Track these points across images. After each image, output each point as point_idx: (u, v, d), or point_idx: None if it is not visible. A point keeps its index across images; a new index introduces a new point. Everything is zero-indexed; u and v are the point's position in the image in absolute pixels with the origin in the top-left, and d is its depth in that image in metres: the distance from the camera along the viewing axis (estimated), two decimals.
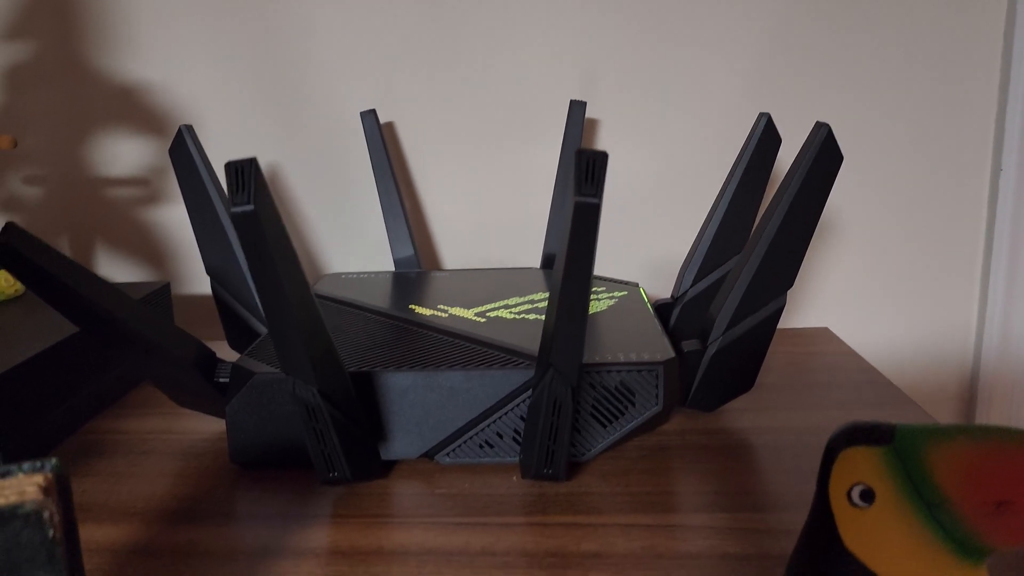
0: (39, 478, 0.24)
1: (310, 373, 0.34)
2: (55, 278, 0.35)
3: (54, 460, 0.24)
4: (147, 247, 0.69)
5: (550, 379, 0.35)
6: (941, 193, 0.65)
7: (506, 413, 0.41)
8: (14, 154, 0.67)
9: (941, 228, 0.66)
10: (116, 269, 0.70)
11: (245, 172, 0.30)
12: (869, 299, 0.68)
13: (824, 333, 0.61)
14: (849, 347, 0.58)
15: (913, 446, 0.23)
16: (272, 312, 0.33)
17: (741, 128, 0.65)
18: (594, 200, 0.30)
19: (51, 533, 0.22)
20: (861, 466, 0.24)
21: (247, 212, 0.30)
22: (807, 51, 0.63)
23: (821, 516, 0.25)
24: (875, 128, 0.64)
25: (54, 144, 0.67)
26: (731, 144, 0.65)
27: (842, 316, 0.68)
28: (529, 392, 0.40)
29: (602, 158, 0.30)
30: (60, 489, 0.25)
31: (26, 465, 0.24)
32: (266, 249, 0.31)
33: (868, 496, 0.24)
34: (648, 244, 0.67)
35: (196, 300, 0.70)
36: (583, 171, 0.30)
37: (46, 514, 0.22)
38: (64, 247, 0.69)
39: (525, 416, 0.40)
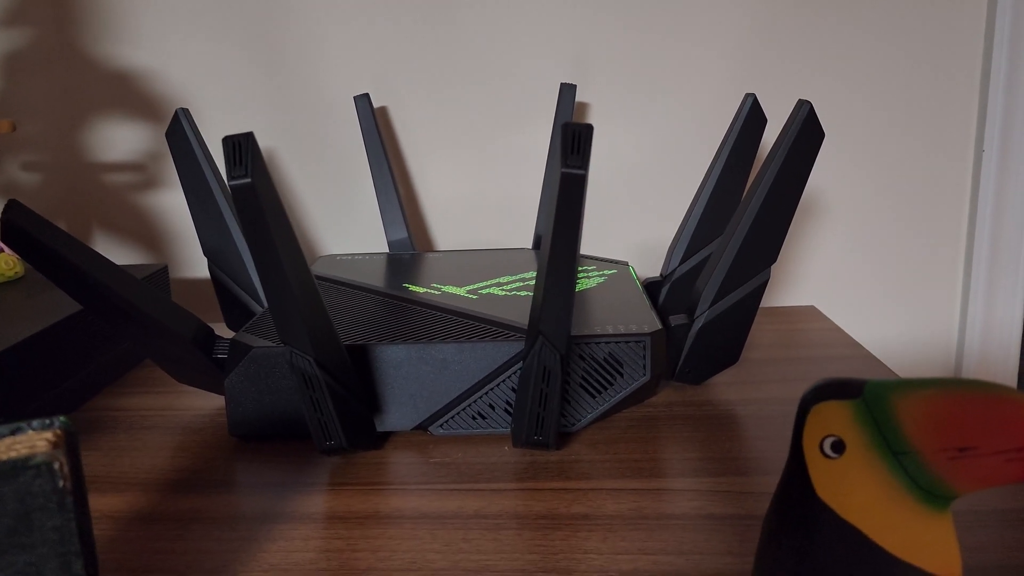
0: (49, 434, 0.25)
1: (307, 343, 0.35)
2: (57, 254, 0.36)
3: (62, 418, 0.26)
4: (145, 231, 0.70)
5: (539, 347, 0.36)
6: (925, 174, 0.67)
7: (498, 385, 0.42)
8: (12, 140, 0.68)
9: (925, 209, 0.67)
10: (114, 253, 0.71)
11: (242, 146, 0.31)
12: (854, 279, 0.69)
13: (810, 311, 0.62)
14: (835, 324, 0.59)
15: (881, 399, 0.25)
16: (269, 283, 0.34)
17: (728, 110, 0.66)
18: (580, 171, 0.31)
19: (61, 483, 0.23)
20: (832, 419, 0.25)
21: (245, 184, 0.31)
22: (792, 35, 0.64)
23: (795, 468, 0.26)
24: (860, 110, 0.66)
25: (52, 130, 0.68)
26: (718, 126, 0.66)
27: (828, 296, 0.69)
28: (520, 364, 0.41)
29: (587, 130, 0.32)
30: (68, 444, 0.26)
31: (35, 422, 0.25)
32: (263, 221, 0.32)
33: (839, 447, 0.25)
34: (638, 225, 0.68)
35: (193, 283, 0.71)
36: (569, 143, 0.31)
37: (56, 465, 0.23)
38: None
39: (516, 387, 0.41)
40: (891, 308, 0.69)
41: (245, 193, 0.31)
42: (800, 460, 0.26)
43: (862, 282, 0.69)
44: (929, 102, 0.65)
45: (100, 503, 0.37)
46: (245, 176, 0.31)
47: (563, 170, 0.31)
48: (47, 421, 0.26)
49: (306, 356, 0.36)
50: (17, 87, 0.67)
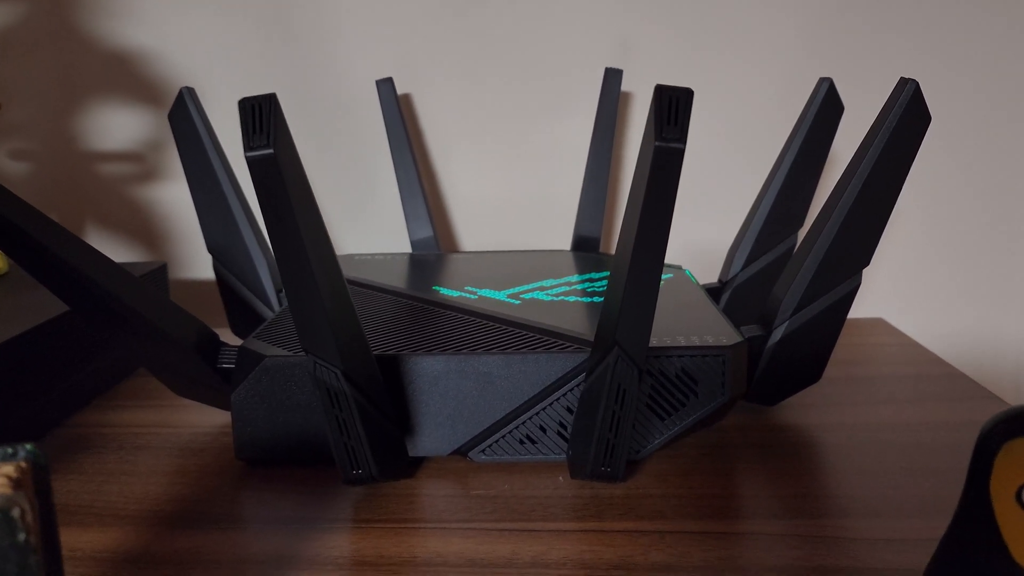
0: (10, 468, 0.19)
1: (334, 352, 0.30)
2: (34, 240, 0.30)
3: (29, 446, 0.20)
4: (143, 226, 0.64)
5: (614, 360, 0.30)
6: (1017, 164, 0.60)
7: (551, 404, 0.36)
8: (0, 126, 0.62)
9: (1014, 204, 0.61)
10: (110, 250, 0.65)
11: (263, 110, 0.26)
12: (929, 287, 0.62)
13: (879, 324, 0.56)
14: (910, 338, 0.53)
15: None
16: (292, 278, 0.28)
17: (797, 96, 0.59)
18: (678, 145, 0.26)
19: (22, 536, 0.17)
20: None
21: (265, 156, 0.25)
22: (877, 5, 0.58)
23: (978, 522, 0.20)
24: (948, 92, 0.59)
25: (44, 115, 0.62)
26: (785, 114, 0.60)
27: (896, 306, 0.63)
28: (579, 379, 0.35)
29: (687, 95, 0.26)
30: (37, 481, 0.20)
31: None
32: (287, 201, 0.26)
33: None
34: (689, 225, 0.62)
35: (196, 285, 0.65)
36: (665, 111, 0.26)
37: (16, 512, 0.17)
38: None
39: (573, 407, 0.35)
40: (971, 323, 0.63)
41: (265, 167, 0.26)
42: (986, 512, 0.20)
43: (937, 291, 0.62)
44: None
45: (81, 540, 0.31)
46: (266, 146, 0.25)
47: (657, 143, 0.26)
48: (9, 450, 0.20)
49: (333, 368, 0.30)
50: (6, 68, 0.61)
